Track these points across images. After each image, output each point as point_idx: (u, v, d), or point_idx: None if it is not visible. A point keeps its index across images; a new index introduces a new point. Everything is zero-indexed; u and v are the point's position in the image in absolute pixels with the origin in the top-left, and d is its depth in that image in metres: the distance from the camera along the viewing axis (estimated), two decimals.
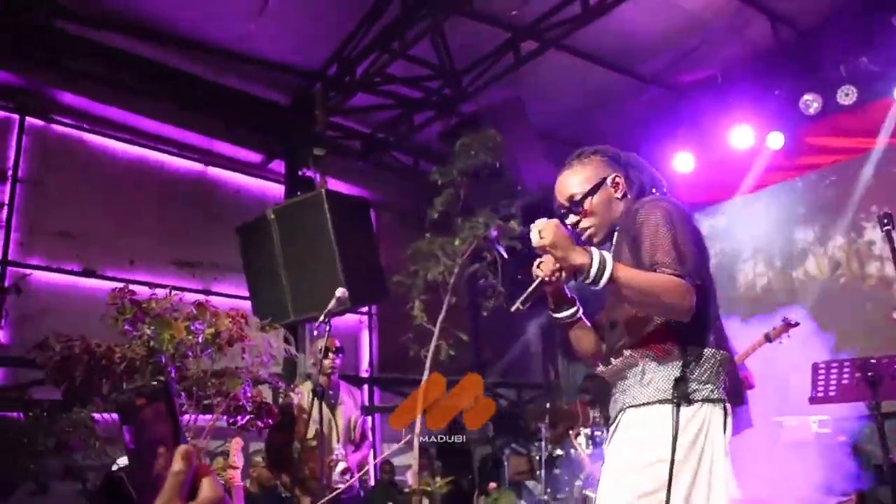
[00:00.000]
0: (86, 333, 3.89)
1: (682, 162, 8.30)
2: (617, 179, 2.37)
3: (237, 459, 3.50)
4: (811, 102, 7.28)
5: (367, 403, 8.91)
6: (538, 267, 2.25)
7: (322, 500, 4.03)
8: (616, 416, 2.25)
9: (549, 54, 7.06)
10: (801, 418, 6.10)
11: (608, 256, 2.06)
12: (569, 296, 2.41)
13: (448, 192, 6.20)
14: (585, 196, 2.34)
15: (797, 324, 5.22)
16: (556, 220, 2.15)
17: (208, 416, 4.06)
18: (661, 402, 2.10)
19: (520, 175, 6.78)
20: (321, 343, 4.24)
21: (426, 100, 7.89)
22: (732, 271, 8.56)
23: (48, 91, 7.17)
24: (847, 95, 7.04)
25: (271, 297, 5.77)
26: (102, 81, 6.96)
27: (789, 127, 7.69)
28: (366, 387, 9.30)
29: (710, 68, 7.94)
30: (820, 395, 4.41)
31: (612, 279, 2.03)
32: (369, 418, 8.63)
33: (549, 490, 6.37)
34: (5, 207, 6.71)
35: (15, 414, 4.10)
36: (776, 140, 7.72)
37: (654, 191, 2.39)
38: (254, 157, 8.61)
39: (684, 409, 2.07)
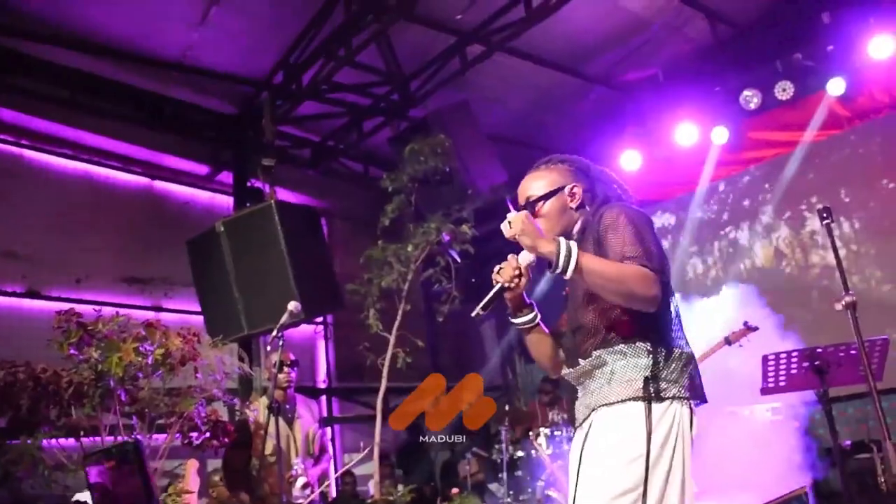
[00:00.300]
0: (31, 357, 3.79)
1: (628, 160, 8.41)
2: (575, 190, 2.41)
3: (192, 483, 3.43)
4: (751, 98, 7.47)
5: (325, 415, 8.82)
6: (498, 273, 2.28)
7: None
8: (586, 417, 2.27)
9: (496, 57, 7.09)
10: (753, 407, 6.22)
11: (574, 245, 2.11)
12: (527, 301, 2.44)
13: (399, 198, 6.18)
14: (539, 199, 2.39)
15: (756, 328, 5.34)
16: (525, 212, 2.22)
17: (163, 436, 3.98)
18: (633, 399, 2.14)
19: (470, 178, 6.79)
20: (275, 357, 4.19)
21: (375, 106, 7.85)
22: (681, 265, 8.72)
23: None
24: (784, 90, 7.23)
25: (224, 311, 5.68)
26: (41, 97, 6.74)
27: (732, 123, 7.87)
28: (324, 398, 9.19)
29: (653, 67, 8.08)
30: (771, 385, 4.53)
31: (578, 267, 2.08)
32: (329, 430, 8.54)
33: (511, 492, 6.39)
34: None
35: None
36: (720, 135, 7.90)
37: None
38: (201, 168, 8.46)
39: (656, 406, 2.12)
